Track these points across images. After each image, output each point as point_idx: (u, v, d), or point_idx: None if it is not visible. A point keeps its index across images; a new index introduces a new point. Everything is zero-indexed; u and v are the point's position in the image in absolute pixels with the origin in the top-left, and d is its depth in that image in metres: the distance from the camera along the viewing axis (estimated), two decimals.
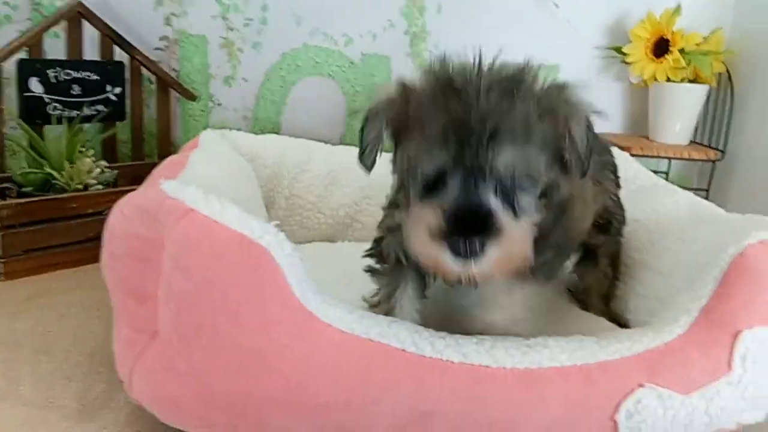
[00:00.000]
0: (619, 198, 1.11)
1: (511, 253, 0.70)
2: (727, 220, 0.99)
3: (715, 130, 1.77)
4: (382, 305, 0.91)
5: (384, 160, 1.50)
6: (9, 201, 1.30)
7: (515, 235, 0.69)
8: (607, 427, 0.75)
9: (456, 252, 0.68)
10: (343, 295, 0.85)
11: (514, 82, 0.72)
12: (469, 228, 0.67)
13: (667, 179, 1.83)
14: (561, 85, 0.76)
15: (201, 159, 1.16)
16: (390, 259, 0.89)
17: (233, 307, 0.72)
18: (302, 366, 0.73)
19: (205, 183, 1.02)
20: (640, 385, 0.75)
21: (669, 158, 1.72)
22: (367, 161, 0.81)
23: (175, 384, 0.75)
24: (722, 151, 1.71)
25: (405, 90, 0.76)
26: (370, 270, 0.93)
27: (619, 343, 0.80)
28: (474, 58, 0.73)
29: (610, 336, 0.82)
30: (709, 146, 1.76)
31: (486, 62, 0.73)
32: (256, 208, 1.22)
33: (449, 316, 0.94)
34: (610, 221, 1.09)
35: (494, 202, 0.69)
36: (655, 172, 1.86)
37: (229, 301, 0.71)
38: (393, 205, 0.90)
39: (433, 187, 0.71)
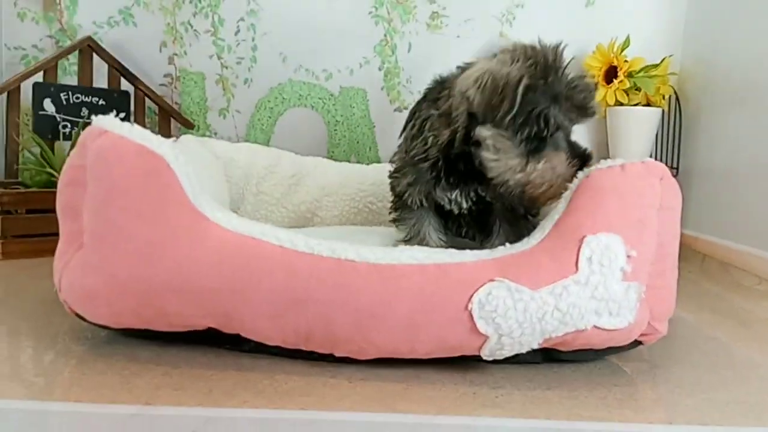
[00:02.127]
0: None
1: None
2: None
3: (669, 150, 1.86)
4: (413, 240, 1.14)
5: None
6: (9, 190, 1.49)
7: None
8: (463, 317, 0.84)
9: None
10: None
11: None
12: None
13: None
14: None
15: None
16: (414, 205, 1.12)
17: (134, 206, 0.85)
18: (193, 257, 0.85)
19: None
20: (491, 280, 0.84)
21: None
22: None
23: (89, 276, 0.88)
24: (676, 169, 1.79)
25: (543, 61, 0.96)
26: (396, 220, 1.18)
27: (479, 252, 0.90)
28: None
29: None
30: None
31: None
32: (217, 197, 1.36)
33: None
34: None
35: None
36: None
37: (131, 200, 0.85)
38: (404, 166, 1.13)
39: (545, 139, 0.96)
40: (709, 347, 1.09)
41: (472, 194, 1.08)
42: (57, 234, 1.47)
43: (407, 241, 1.14)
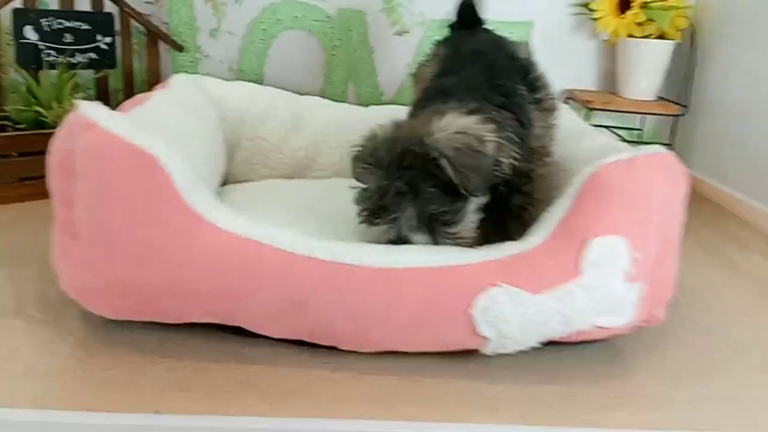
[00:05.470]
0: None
1: None
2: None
3: (679, 86, 1.79)
4: None
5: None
6: (1, 134, 1.45)
7: None
8: (464, 320, 0.84)
9: None
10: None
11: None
12: None
13: (641, 135, 1.89)
14: None
15: (162, 98, 1.27)
16: None
17: (127, 207, 0.83)
18: (186, 258, 0.83)
19: (150, 118, 1.13)
20: (493, 284, 0.84)
21: (631, 113, 1.77)
22: None
23: (89, 275, 0.87)
24: (685, 106, 1.74)
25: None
26: None
27: (481, 251, 0.89)
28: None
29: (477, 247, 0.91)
30: (674, 101, 1.79)
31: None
32: (206, 145, 1.32)
33: None
34: None
35: None
36: (630, 129, 1.91)
37: (124, 202, 0.83)
38: None
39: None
40: (706, 323, 1.10)
41: None
42: None
43: None
